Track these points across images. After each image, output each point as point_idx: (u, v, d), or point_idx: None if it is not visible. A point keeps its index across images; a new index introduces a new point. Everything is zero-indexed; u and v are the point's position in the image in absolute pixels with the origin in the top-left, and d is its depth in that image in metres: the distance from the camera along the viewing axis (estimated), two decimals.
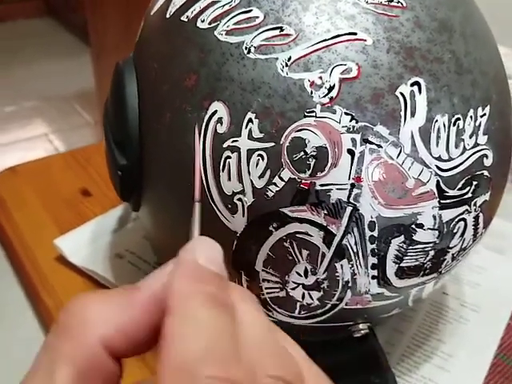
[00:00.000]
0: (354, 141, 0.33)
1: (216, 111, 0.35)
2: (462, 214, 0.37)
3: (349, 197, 0.34)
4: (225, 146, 0.34)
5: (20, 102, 2.28)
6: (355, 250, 0.35)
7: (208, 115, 0.35)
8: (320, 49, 0.33)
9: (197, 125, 0.35)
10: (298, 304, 0.39)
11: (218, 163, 0.35)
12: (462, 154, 0.35)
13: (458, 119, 0.35)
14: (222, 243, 0.35)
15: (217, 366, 0.18)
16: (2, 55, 2.54)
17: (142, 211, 0.44)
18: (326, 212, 0.34)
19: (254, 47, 0.34)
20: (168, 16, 0.39)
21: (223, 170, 0.35)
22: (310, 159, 0.33)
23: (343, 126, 0.33)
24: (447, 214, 0.36)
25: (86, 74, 1.95)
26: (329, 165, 0.33)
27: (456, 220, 0.37)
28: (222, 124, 0.34)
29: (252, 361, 0.19)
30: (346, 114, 0.33)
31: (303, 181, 0.34)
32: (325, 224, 0.34)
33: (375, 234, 0.35)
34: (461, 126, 0.35)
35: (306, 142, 0.33)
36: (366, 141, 0.33)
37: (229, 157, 0.34)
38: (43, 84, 2.36)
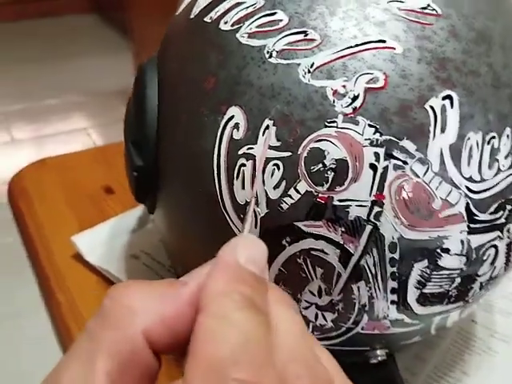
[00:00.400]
0: (377, 155, 0.31)
1: (233, 116, 0.33)
2: (494, 240, 0.34)
3: (369, 215, 0.32)
4: (240, 152, 0.33)
5: (63, 95, 2.32)
6: (374, 272, 0.33)
7: (225, 120, 0.33)
8: (345, 56, 0.31)
9: (216, 129, 0.33)
10: (311, 324, 0.37)
11: (233, 170, 0.33)
12: (496, 175, 0.33)
13: (493, 137, 0.32)
14: None
15: (245, 370, 0.18)
16: (48, 49, 2.60)
17: (156, 213, 0.42)
18: (343, 229, 0.32)
19: (276, 51, 0.32)
20: (192, 16, 0.37)
21: (237, 178, 0.33)
22: (329, 172, 0.31)
23: (366, 139, 0.31)
24: (477, 240, 0.33)
25: (127, 70, 1.97)
26: (348, 179, 0.31)
27: (486, 246, 0.34)
28: (238, 130, 0.33)
29: (284, 367, 0.19)
30: (370, 125, 0.31)
31: (320, 194, 0.32)
32: (342, 242, 0.32)
33: (396, 256, 0.33)
34: (496, 145, 0.32)
35: (326, 153, 0.31)
36: (390, 156, 0.31)
37: (243, 164, 0.33)
38: (86, 79, 2.40)
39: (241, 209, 0.33)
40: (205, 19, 0.36)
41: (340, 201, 0.31)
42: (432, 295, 0.35)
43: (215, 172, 0.34)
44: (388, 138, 0.31)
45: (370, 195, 0.31)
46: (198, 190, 0.35)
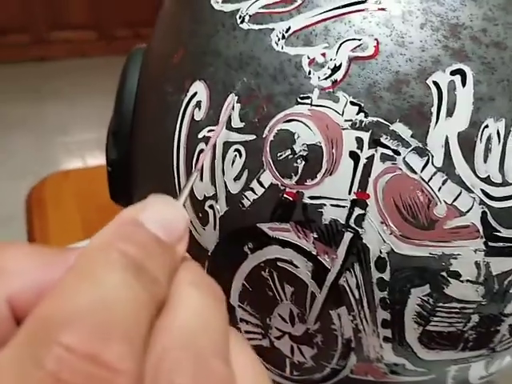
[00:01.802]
0: (359, 141, 0.24)
1: (196, 93, 0.27)
2: None
3: (348, 218, 0.25)
4: (200, 136, 0.27)
5: None
6: (357, 297, 0.26)
7: (188, 98, 0.28)
8: (329, 18, 0.25)
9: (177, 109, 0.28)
10: (288, 361, 0.29)
11: (191, 158, 0.27)
12: None
13: None
14: None
15: (79, 335, 0.14)
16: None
17: None
18: (315, 236, 0.25)
19: (249, 16, 0.27)
20: None
21: (195, 167, 0.27)
22: (299, 161, 0.25)
23: (347, 120, 0.24)
24: (499, 264, 0.25)
25: None
26: (322, 171, 0.24)
27: None
28: (200, 109, 0.27)
29: (163, 354, 0.15)
30: (353, 103, 0.24)
31: (287, 189, 0.25)
32: (314, 252, 0.25)
33: (386, 276, 0.25)
34: None
35: (295, 137, 0.25)
36: (377, 142, 0.24)
37: (202, 150, 0.27)
38: None
39: (200, 206, 0.27)
40: None
41: (311, 198, 0.25)
42: (440, 335, 0.27)
43: (174, 161, 0.28)
44: (375, 119, 0.24)
45: (350, 193, 0.24)
46: (159, 184, 0.30)
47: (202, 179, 0.27)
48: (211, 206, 0.27)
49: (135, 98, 0.33)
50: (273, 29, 0.26)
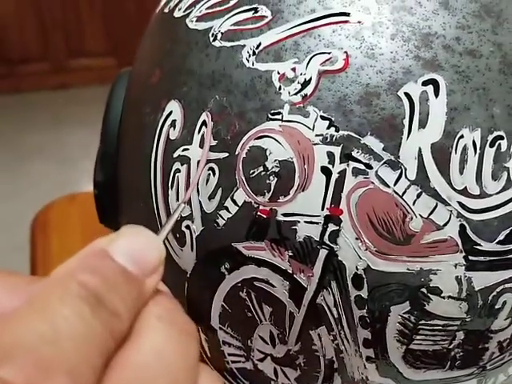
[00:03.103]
0: (331, 156, 0.24)
1: (171, 112, 0.27)
2: (508, 281, 0.25)
3: (322, 235, 0.24)
4: (175, 155, 0.27)
5: None
6: (336, 316, 0.25)
7: (163, 118, 0.28)
8: (298, 33, 0.25)
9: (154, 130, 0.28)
10: (273, 383, 0.29)
11: (167, 179, 0.27)
12: (505, 190, 0.24)
13: (500, 138, 0.24)
14: (173, 285, 0.27)
15: (21, 371, 0.13)
16: None
17: None
18: (291, 254, 0.25)
19: (221, 33, 0.26)
20: (157, 11, 0.33)
21: (172, 188, 0.27)
22: (271, 177, 0.24)
23: (317, 135, 0.24)
24: (482, 279, 0.24)
25: None
26: (295, 187, 0.24)
27: (498, 290, 0.25)
28: (174, 128, 0.27)
29: None
30: (323, 118, 0.24)
31: (261, 207, 0.25)
32: (290, 271, 0.25)
33: (364, 294, 0.24)
34: (503, 148, 0.24)
35: (267, 153, 0.24)
36: (348, 157, 0.23)
37: (178, 170, 0.27)
38: None
39: (177, 226, 0.27)
40: (164, 10, 0.31)
41: (285, 215, 0.24)
42: (425, 354, 0.26)
43: (152, 181, 0.28)
44: (346, 133, 0.23)
45: (323, 208, 0.24)
46: (140, 206, 0.29)
47: (177, 199, 0.27)
48: (187, 227, 0.27)
49: (120, 119, 0.33)
50: (244, 45, 0.26)
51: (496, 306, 0.25)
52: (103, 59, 2.31)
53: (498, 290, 0.25)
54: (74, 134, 2.06)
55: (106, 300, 0.16)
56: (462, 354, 0.26)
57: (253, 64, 0.25)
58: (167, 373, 0.16)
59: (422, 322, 0.25)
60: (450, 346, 0.26)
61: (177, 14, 0.29)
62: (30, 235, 0.57)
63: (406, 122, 0.23)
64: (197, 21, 0.28)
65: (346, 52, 0.24)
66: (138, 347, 0.16)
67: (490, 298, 0.25)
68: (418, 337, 0.25)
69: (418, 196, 0.23)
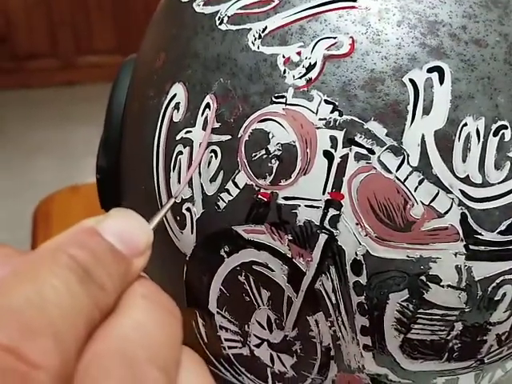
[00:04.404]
0: (333, 140, 0.24)
1: (175, 95, 0.27)
2: (509, 272, 0.25)
3: (323, 219, 0.24)
4: (178, 138, 0.27)
5: None
6: (334, 301, 0.25)
7: (167, 100, 0.28)
8: (305, 17, 0.25)
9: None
10: (269, 370, 0.28)
11: (170, 161, 0.27)
12: (508, 179, 0.24)
13: (504, 127, 0.24)
14: (172, 268, 0.27)
15: (5, 331, 0.14)
16: None
17: None
18: (290, 238, 0.24)
19: (228, 17, 0.26)
20: None
21: (173, 170, 0.27)
22: (273, 161, 0.24)
23: (321, 119, 0.24)
24: (482, 269, 0.24)
25: None
26: (297, 170, 0.24)
27: (498, 281, 0.25)
28: (178, 110, 0.27)
29: (94, 358, 0.15)
30: (327, 102, 0.24)
31: (262, 190, 0.25)
32: (289, 255, 0.25)
33: (362, 280, 0.24)
34: (507, 138, 0.24)
35: (270, 136, 0.24)
36: (351, 141, 0.23)
37: (180, 152, 0.27)
38: None
39: (178, 209, 0.27)
40: None
41: (286, 199, 0.24)
42: (422, 344, 0.26)
43: (154, 163, 0.28)
44: (349, 118, 0.23)
45: (324, 193, 0.24)
46: (142, 190, 0.29)
47: (179, 181, 0.27)
48: (188, 209, 0.27)
49: (124, 106, 0.33)
50: (250, 29, 0.26)
51: (495, 298, 0.25)
52: (111, 57, 2.31)
53: (497, 281, 0.25)
54: (79, 131, 2.07)
55: (94, 274, 0.16)
56: (459, 345, 0.26)
57: (258, 47, 0.25)
58: (148, 345, 0.16)
59: (421, 310, 0.25)
60: (448, 337, 0.25)
61: None
62: (31, 226, 0.57)
63: (410, 108, 0.23)
64: (204, 5, 0.28)
65: (351, 37, 0.24)
66: (121, 320, 0.16)
67: (489, 289, 0.25)
68: (416, 326, 0.25)
69: (420, 183, 0.23)
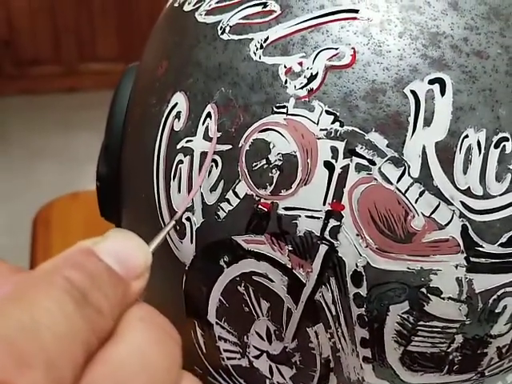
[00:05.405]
0: (334, 150, 0.23)
1: (176, 104, 0.27)
2: (509, 285, 0.24)
3: (323, 230, 0.24)
4: (178, 147, 0.27)
5: None
6: (334, 313, 0.25)
7: (168, 109, 0.28)
8: (307, 28, 0.25)
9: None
10: (268, 382, 0.28)
11: (170, 170, 0.27)
12: (509, 192, 0.24)
13: (505, 139, 0.23)
14: (172, 278, 0.27)
15: None
16: None
17: None
18: (290, 248, 0.24)
19: (230, 27, 0.26)
20: (166, 6, 0.33)
21: (174, 179, 0.27)
22: (274, 170, 0.24)
23: (322, 129, 0.24)
24: (483, 281, 0.24)
25: None
26: (297, 181, 0.24)
27: (499, 293, 0.24)
28: (179, 119, 0.27)
29: None
30: (328, 112, 0.24)
31: (262, 200, 0.24)
32: (290, 266, 0.25)
33: (363, 292, 0.24)
34: (508, 150, 0.23)
35: (271, 146, 0.24)
36: (352, 152, 0.23)
37: (181, 161, 0.27)
38: None
39: (178, 218, 0.27)
40: (174, 5, 0.31)
41: (286, 209, 0.24)
42: (423, 357, 0.25)
43: (154, 172, 0.28)
44: (350, 128, 0.23)
45: (325, 204, 0.24)
46: (142, 198, 0.29)
47: (179, 191, 0.27)
48: (188, 218, 0.26)
49: (126, 113, 0.33)
50: (252, 39, 0.26)
51: (496, 310, 0.25)
52: (114, 64, 2.32)
53: (498, 293, 0.24)
54: (81, 138, 2.07)
55: (91, 296, 0.16)
56: (460, 358, 0.26)
57: (260, 57, 0.25)
58: (146, 371, 0.16)
59: (421, 322, 0.24)
60: (449, 350, 0.25)
61: (186, 7, 0.29)
62: (31, 233, 0.56)
63: (411, 119, 0.23)
64: (206, 14, 0.28)
65: (353, 48, 0.24)
66: (119, 345, 0.16)
67: (490, 301, 0.24)
68: (417, 338, 0.25)
69: (421, 194, 0.23)
